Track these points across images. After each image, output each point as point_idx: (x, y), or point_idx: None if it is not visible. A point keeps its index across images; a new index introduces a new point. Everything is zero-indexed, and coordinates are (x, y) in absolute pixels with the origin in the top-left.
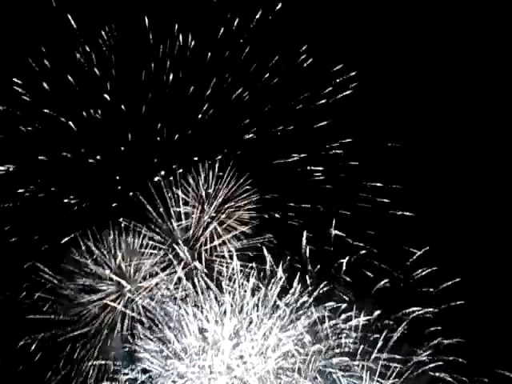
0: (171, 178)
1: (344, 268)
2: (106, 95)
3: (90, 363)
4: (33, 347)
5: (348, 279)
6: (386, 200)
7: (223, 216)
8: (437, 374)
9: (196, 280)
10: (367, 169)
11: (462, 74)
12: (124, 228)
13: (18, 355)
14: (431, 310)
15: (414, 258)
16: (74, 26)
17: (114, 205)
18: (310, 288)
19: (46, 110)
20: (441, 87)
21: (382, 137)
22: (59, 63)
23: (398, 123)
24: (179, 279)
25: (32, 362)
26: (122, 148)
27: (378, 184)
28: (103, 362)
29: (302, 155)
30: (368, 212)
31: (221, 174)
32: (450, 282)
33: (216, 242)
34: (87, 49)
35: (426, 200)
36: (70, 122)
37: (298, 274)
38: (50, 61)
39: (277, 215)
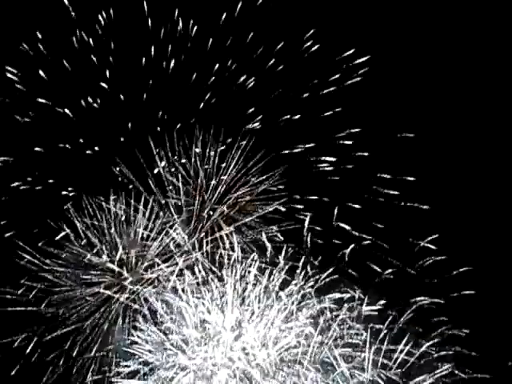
0: (173, 169)
1: (347, 259)
2: (104, 84)
3: (91, 355)
4: (32, 343)
5: (351, 270)
6: (396, 192)
7: (225, 207)
8: (441, 365)
9: (197, 271)
10: (377, 160)
11: (481, 62)
12: (125, 219)
13: (16, 351)
14: (437, 300)
15: (422, 245)
16: (71, 10)
17: (113, 197)
18: (312, 279)
19: (41, 100)
20: (458, 74)
21: (393, 127)
22: (55, 49)
23: (410, 112)
24: (181, 270)
25: (32, 357)
26: (122, 138)
27: (388, 176)
28: (104, 355)
29: (309, 145)
30: (377, 204)
31: (223, 165)
32: (455, 272)
33: (217, 234)
34: (84, 35)
35: (439, 192)
36: (68, 112)
37: (301, 264)
38: (45, 47)
39: (282, 208)
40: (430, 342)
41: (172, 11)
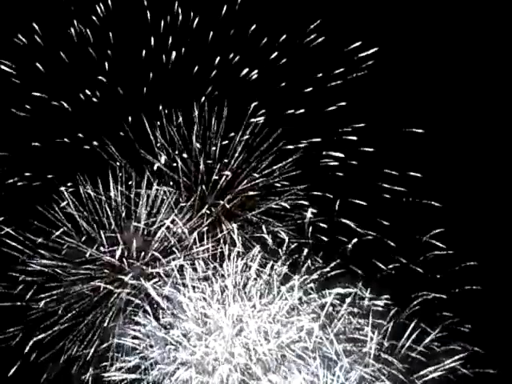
0: (174, 164)
1: (349, 254)
2: (103, 77)
3: (92, 350)
4: (31, 342)
5: (354, 265)
6: (401, 188)
7: (227, 202)
8: (445, 360)
9: (198, 265)
10: (383, 156)
11: (492, 56)
12: (125, 214)
13: (15, 347)
14: (440, 295)
15: (425, 240)
16: (68, 1)
17: (113, 192)
18: (314, 273)
19: (38, 94)
20: (469, 68)
21: (399, 122)
22: (52, 41)
23: (417, 106)
24: (182, 265)
25: (32, 353)
26: (121, 133)
27: (394, 172)
28: (105, 350)
29: (313, 140)
30: (383, 201)
31: (226, 160)
32: (458, 267)
33: (219, 229)
34: (82, 26)
35: (444, 188)
36: (66, 105)
37: (303, 258)
38: (42, 39)
39: (285, 203)
40: (432, 336)
41: (172, 2)
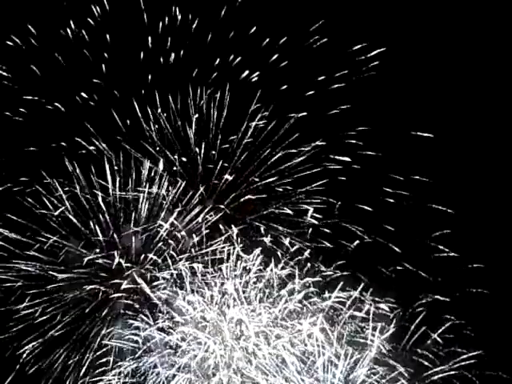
0: (174, 169)
1: (350, 252)
2: (99, 80)
3: (90, 355)
4: (28, 346)
5: (356, 268)
6: (407, 193)
7: (226, 206)
8: (447, 363)
9: (197, 269)
10: (388, 160)
11: (505, 57)
12: (124, 219)
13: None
14: (444, 298)
15: (428, 242)
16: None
17: (111, 197)
18: (316, 276)
19: (33, 97)
20: (478, 70)
21: (404, 125)
22: (47, 43)
23: (423, 109)
24: (181, 270)
25: (29, 359)
26: (119, 137)
27: (399, 177)
28: (104, 354)
29: (316, 144)
30: (388, 206)
31: (226, 164)
32: (463, 270)
33: (218, 233)
34: (78, 27)
35: (452, 193)
36: (62, 108)
37: (304, 261)
38: (36, 40)
39: (286, 208)
40: (433, 338)
41: (170, 3)
